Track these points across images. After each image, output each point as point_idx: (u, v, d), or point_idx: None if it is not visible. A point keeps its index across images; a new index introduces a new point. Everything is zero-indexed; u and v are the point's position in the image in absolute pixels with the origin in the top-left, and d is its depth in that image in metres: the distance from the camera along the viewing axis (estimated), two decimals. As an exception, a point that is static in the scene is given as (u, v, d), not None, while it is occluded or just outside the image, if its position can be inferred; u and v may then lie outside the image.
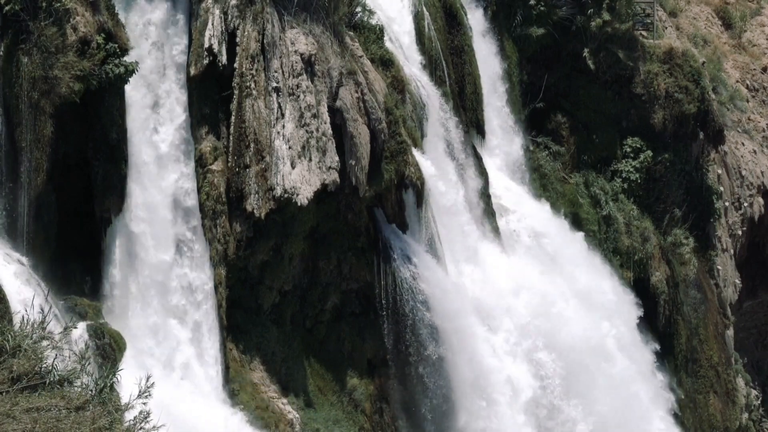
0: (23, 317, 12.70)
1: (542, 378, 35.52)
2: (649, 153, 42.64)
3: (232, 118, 29.25)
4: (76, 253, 27.04)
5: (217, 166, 29.21)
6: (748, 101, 50.14)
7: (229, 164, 29.24)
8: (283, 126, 29.53)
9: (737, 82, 50.34)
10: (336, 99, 30.51)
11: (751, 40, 53.07)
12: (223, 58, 29.07)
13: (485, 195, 36.83)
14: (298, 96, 29.85)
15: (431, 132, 35.20)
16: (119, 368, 14.12)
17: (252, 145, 29.20)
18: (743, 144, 48.94)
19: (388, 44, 34.14)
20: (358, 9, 33.01)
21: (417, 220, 33.31)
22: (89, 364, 12.32)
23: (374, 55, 32.90)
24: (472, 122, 38.14)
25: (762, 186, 48.84)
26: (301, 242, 31.02)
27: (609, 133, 42.86)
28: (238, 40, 29.40)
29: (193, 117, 29.19)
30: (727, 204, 46.69)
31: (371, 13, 33.59)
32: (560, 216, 40.26)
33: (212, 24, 29.02)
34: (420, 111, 34.62)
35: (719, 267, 45.56)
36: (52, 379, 11.88)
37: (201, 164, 29.18)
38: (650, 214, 42.98)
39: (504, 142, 40.11)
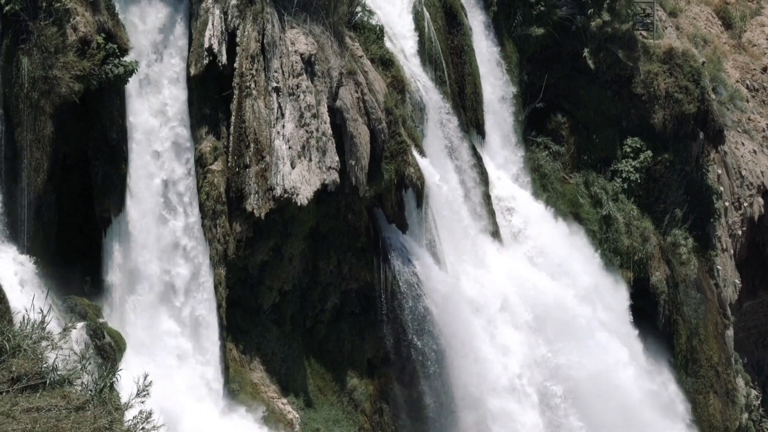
0: (23, 317, 12.70)
1: (542, 377, 35.53)
2: (649, 153, 42.62)
3: (232, 118, 29.25)
4: (76, 253, 27.05)
5: (217, 166, 29.21)
6: (748, 101, 50.12)
7: (229, 164, 29.25)
8: (283, 126, 29.53)
9: (737, 82, 50.33)
10: (336, 99, 30.51)
11: (751, 40, 53.05)
12: (223, 58, 29.07)
13: (485, 195, 36.83)
14: (298, 96, 29.85)
15: (431, 132, 35.19)
16: (119, 368, 14.11)
17: (252, 145, 29.20)
18: (743, 144, 48.94)
19: (388, 44, 34.14)
20: (358, 9, 33.00)
21: (417, 220, 33.31)
22: (89, 364, 12.32)
23: (374, 55, 32.90)
24: (472, 122, 38.13)
25: (762, 186, 48.83)
26: (301, 242, 31.03)
27: (609, 133, 42.83)
28: (238, 40, 29.40)
29: (193, 117, 29.19)
30: (727, 204, 46.68)
31: (371, 13, 33.58)
32: (561, 216, 40.25)
33: (212, 24, 29.03)
34: (420, 111, 34.61)
35: (719, 267, 45.55)
36: (52, 379, 11.88)
37: (201, 164, 29.18)
38: (650, 214, 42.97)
39: (504, 142, 40.10)
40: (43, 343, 12.20)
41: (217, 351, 28.97)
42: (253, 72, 29.39)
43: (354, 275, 32.27)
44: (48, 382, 11.88)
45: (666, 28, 47.11)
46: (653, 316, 41.95)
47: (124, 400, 11.85)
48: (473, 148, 37.06)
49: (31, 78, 25.40)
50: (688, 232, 43.82)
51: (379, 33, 33.57)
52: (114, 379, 12.54)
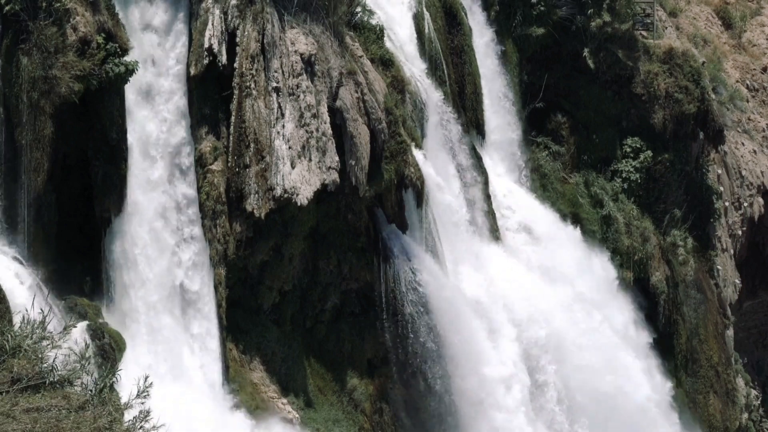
0: (23, 317, 12.70)
1: (541, 377, 35.54)
2: (649, 153, 42.62)
3: (232, 118, 29.25)
4: (76, 253, 27.04)
5: (217, 166, 29.21)
6: (748, 101, 50.13)
7: (229, 164, 29.24)
8: (283, 126, 29.52)
9: (737, 82, 50.33)
10: (336, 99, 30.51)
11: (751, 40, 53.05)
12: (223, 58, 29.07)
13: (485, 195, 36.83)
14: (298, 96, 29.84)
15: (431, 132, 35.19)
16: (119, 368, 14.12)
17: (252, 145, 29.19)
18: (743, 144, 48.94)
19: (388, 44, 34.13)
20: (358, 9, 33.00)
21: (417, 220, 33.31)
22: (89, 364, 12.32)
23: (374, 55, 32.90)
24: (472, 122, 38.13)
25: (762, 186, 48.84)
26: (301, 242, 31.02)
27: (609, 133, 42.84)
28: (238, 40, 29.40)
29: (193, 117, 29.19)
30: (727, 204, 46.69)
31: (371, 13, 33.58)
32: (560, 216, 40.25)
33: (212, 24, 29.02)
34: (420, 111, 34.61)
35: (719, 267, 45.55)
36: (52, 379, 11.88)
37: (201, 164, 29.18)
38: (650, 214, 42.98)
39: (504, 142, 40.10)
40: (44, 343, 12.20)
41: (217, 351, 28.96)
42: (253, 72, 29.39)
43: (354, 275, 32.27)
44: (48, 383, 11.87)
45: (666, 28, 47.11)
46: (653, 316, 41.94)
47: (124, 400, 11.85)
48: (473, 148, 37.06)
49: (31, 78, 25.39)
50: (688, 232, 43.83)
51: (379, 33, 33.57)
52: (114, 379, 12.54)
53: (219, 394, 28.77)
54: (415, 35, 36.12)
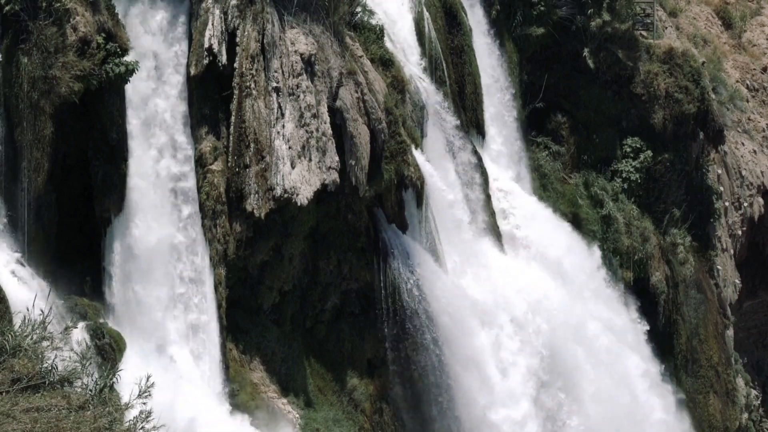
0: (24, 317, 12.69)
1: (540, 377, 35.53)
2: (649, 153, 42.63)
3: (232, 118, 29.24)
4: (76, 253, 27.03)
5: (217, 166, 29.20)
6: (748, 101, 50.13)
7: (229, 164, 29.24)
8: (283, 126, 29.52)
9: (737, 82, 50.33)
10: (336, 99, 30.50)
11: (751, 40, 53.05)
12: (223, 58, 29.06)
13: (485, 195, 36.82)
14: (298, 96, 29.84)
15: (431, 132, 35.18)
16: (119, 368, 14.11)
17: (252, 145, 29.19)
18: (743, 144, 48.94)
19: (388, 44, 34.13)
20: (358, 9, 32.99)
21: (417, 220, 33.30)
22: (90, 364, 12.32)
23: (374, 55, 32.89)
24: (472, 122, 38.13)
25: (762, 186, 48.84)
26: (301, 242, 31.02)
27: (609, 133, 42.84)
28: (238, 40, 29.39)
29: (193, 117, 29.18)
30: (727, 204, 46.69)
31: (371, 13, 33.57)
32: (560, 216, 40.25)
33: (212, 24, 29.02)
34: (420, 111, 34.60)
35: (719, 267, 45.55)
36: (52, 379, 11.87)
37: (201, 164, 29.17)
38: (650, 214, 42.98)
39: (504, 142, 40.09)
40: (44, 343, 12.19)
41: (217, 351, 28.95)
42: (253, 72, 29.38)
43: (354, 275, 32.27)
44: (48, 382, 11.87)
45: (666, 28, 47.11)
46: (653, 316, 41.94)
47: (124, 400, 11.85)
48: (473, 148, 37.05)
49: (30, 78, 25.37)
50: (688, 232, 43.84)
51: (379, 33, 33.56)
52: (114, 379, 12.54)
53: (219, 395, 28.75)
54: (415, 35, 36.11)
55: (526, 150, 40.98)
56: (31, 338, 12.19)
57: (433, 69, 36.25)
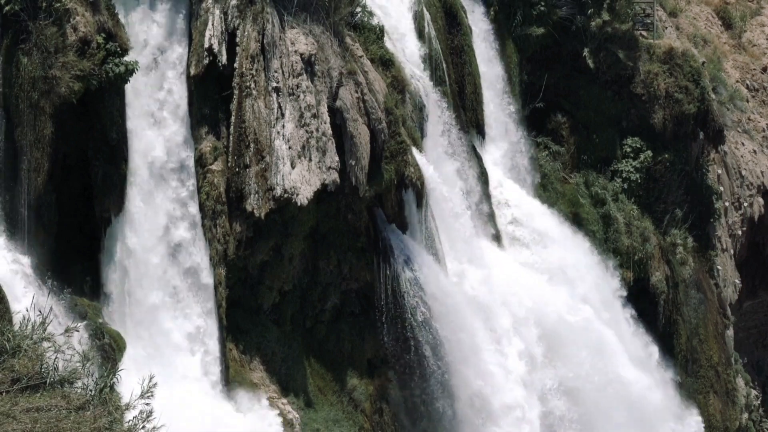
0: (24, 317, 12.69)
1: (539, 375, 35.55)
2: (649, 153, 42.64)
3: (232, 118, 29.24)
4: (76, 253, 27.03)
5: (217, 166, 29.20)
6: (748, 101, 50.14)
7: (229, 164, 29.24)
8: (283, 126, 29.52)
9: (737, 82, 50.34)
10: (336, 99, 30.50)
11: (751, 40, 53.06)
12: (223, 58, 29.06)
13: (485, 195, 36.83)
14: (298, 96, 29.84)
15: (431, 132, 35.19)
16: (119, 368, 14.11)
17: (252, 145, 29.19)
18: (743, 144, 48.95)
19: (388, 44, 34.13)
20: (358, 9, 32.99)
21: (417, 220, 33.29)
22: (91, 364, 12.32)
23: (374, 55, 32.89)
24: (472, 122, 38.13)
25: (762, 186, 48.85)
26: (301, 242, 31.02)
27: (609, 133, 42.85)
28: (238, 40, 29.39)
29: (193, 117, 29.19)
30: (727, 204, 46.70)
31: (371, 13, 33.58)
32: (561, 216, 40.25)
33: (212, 24, 29.02)
34: (420, 111, 34.61)
35: (719, 267, 45.56)
36: (52, 379, 11.87)
37: (201, 164, 29.17)
38: (650, 214, 42.98)
39: (504, 142, 40.10)
40: (45, 344, 12.19)
41: (217, 351, 28.96)
42: (253, 72, 29.38)
43: (354, 275, 32.26)
44: (48, 383, 11.87)
45: (666, 28, 47.12)
46: (653, 316, 41.94)
47: (125, 400, 11.85)
48: (473, 148, 37.06)
49: (30, 78, 25.37)
50: (688, 232, 43.84)
51: (379, 33, 33.57)
52: (114, 379, 12.53)
53: (219, 395, 28.76)
54: (415, 35, 36.12)
55: (526, 150, 40.97)
56: (31, 338, 12.19)
57: (433, 69, 36.25)
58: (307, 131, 29.72)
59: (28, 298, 23.44)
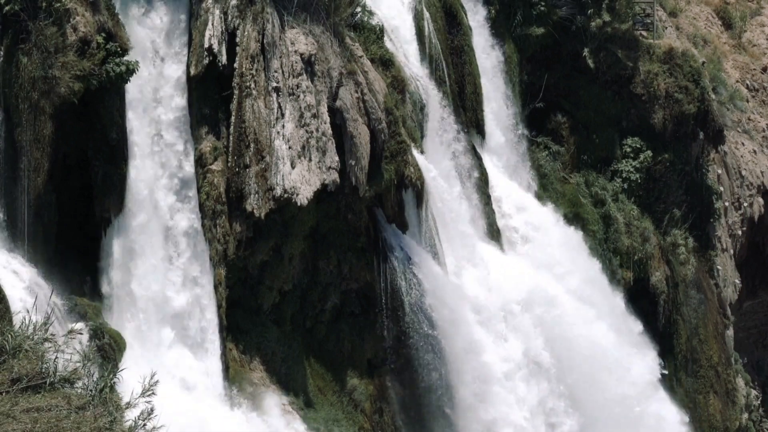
0: (24, 318, 12.68)
1: (539, 375, 35.55)
2: (649, 153, 42.64)
3: (232, 118, 29.24)
4: (76, 253, 27.02)
5: (217, 166, 29.20)
6: (748, 101, 50.15)
7: (229, 164, 29.23)
8: (283, 126, 29.52)
9: (737, 82, 50.35)
10: (336, 99, 30.50)
11: (751, 40, 53.06)
12: (223, 58, 29.05)
13: (485, 195, 36.82)
14: (298, 96, 29.84)
15: (431, 132, 35.18)
16: (119, 368, 14.09)
17: (252, 145, 29.19)
18: (743, 144, 48.95)
19: (388, 44, 34.13)
20: (358, 9, 32.99)
21: (417, 220, 33.30)
22: (92, 364, 12.30)
23: (374, 55, 32.89)
24: (472, 122, 38.13)
25: (762, 186, 48.85)
26: (301, 242, 31.02)
27: (609, 133, 42.86)
28: (238, 40, 29.38)
29: (193, 117, 29.18)
30: (727, 204, 46.70)
31: (371, 13, 33.58)
32: (561, 216, 40.26)
33: (212, 24, 29.01)
34: (420, 111, 34.61)
35: (719, 267, 45.56)
36: (53, 379, 11.86)
37: (201, 164, 29.17)
38: (650, 214, 42.99)
39: (504, 142, 40.10)
40: (46, 345, 12.18)
41: (217, 351, 28.95)
42: (253, 72, 29.38)
43: (354, 275, 32.26)
44: (49, 383, 11.86)
45: (666, 28, 47.12)
46: (653, 316, 41.94)
47: (126, 400, 11.84)
48: (473, 148, 37.06)
49: (30, 78, 25.36)
50: (688, 232, 43.84)
51: (379, 33, 33.57)
52: (115, 379, 12.52)
53: (219, 395, 28.75)
54: (415, 35, 36.12)
55: (526, 150, 40.98)
56: (32, 339, 12.18)
57: (433, 69, 36.25)
58: (307, 131, 29.72)
59: (28, 298, 23.43)
